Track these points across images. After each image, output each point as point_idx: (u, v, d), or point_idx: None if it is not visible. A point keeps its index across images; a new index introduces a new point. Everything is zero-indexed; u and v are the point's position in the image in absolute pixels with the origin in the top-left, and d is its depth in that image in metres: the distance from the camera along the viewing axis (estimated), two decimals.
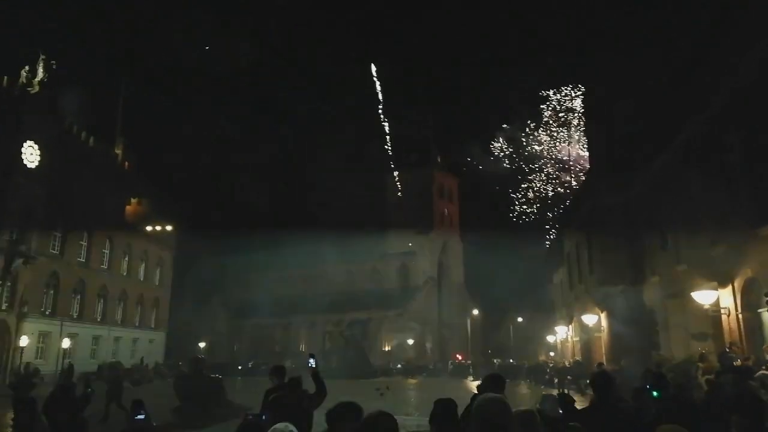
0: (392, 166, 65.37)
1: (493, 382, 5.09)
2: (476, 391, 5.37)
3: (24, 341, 30.60)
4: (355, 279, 61.34)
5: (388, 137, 56.54)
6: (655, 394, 5.93)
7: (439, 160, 67.24)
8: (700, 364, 13.62)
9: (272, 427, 3.25)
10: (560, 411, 5.85)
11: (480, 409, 3.16)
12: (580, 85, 36.60)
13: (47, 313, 35.52)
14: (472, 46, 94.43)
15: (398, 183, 65.73)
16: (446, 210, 66.27)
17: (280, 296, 63.31)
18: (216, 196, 69.50)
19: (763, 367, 11.76)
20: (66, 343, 34.57)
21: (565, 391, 23.11)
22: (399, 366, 45.01)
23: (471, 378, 36.40)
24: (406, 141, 66.28)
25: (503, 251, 62.18)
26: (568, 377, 24.85)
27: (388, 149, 59.74)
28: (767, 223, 12.91)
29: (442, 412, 3.72)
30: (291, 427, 3.25)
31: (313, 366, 6.04)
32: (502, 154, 45.41)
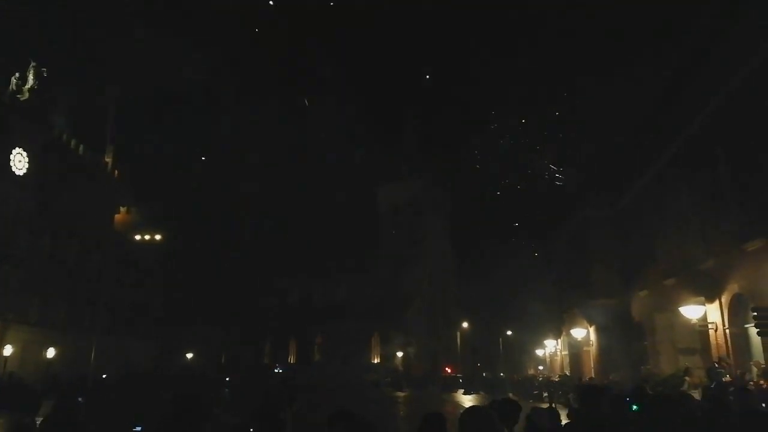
0: (384, 178, 65.61)
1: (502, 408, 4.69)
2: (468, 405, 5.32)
3: (8, 350, 30.14)
4: (346, 291, 61.10)
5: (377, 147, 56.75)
6: (635, 407, 5.90)
7: (430, 172, 67.43)
8: (687, 378, 13.69)
9: None
10: (548, 424, 5.85)
11: (467, 418, 3.18)
12: (568, 97, 36.95)
13: (33, 321, 35.04)
14: (460, 54, 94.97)
15: (388, 195, 65.85)
16: (437, 222, 66.31)
17: (269, 306, 62.92)
18: (207, 204, 69.25)
19: (750, 382, 11.84)
20: (51, 352, 34.07)
21: (553, 405, 23.11)
22: (388, 379, 44.73)
23: (462, 391, 36.23)
24: (396, 152, 66.57)
25: (495, 263, 62.32)
26: (560, 392, 24.80)
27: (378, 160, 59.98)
28: (754, 239, 13.06)
29: (430, 427, 3.68)
30: None
31: (280, 372, 6.03)
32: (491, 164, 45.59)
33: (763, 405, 10.66)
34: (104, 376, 36.07)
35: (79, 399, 8.87)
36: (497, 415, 4.30)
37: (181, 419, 3.99)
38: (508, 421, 4.53)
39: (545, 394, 26.89)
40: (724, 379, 12.60)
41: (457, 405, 25.10)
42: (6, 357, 29.73)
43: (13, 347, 30.93)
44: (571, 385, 23.22)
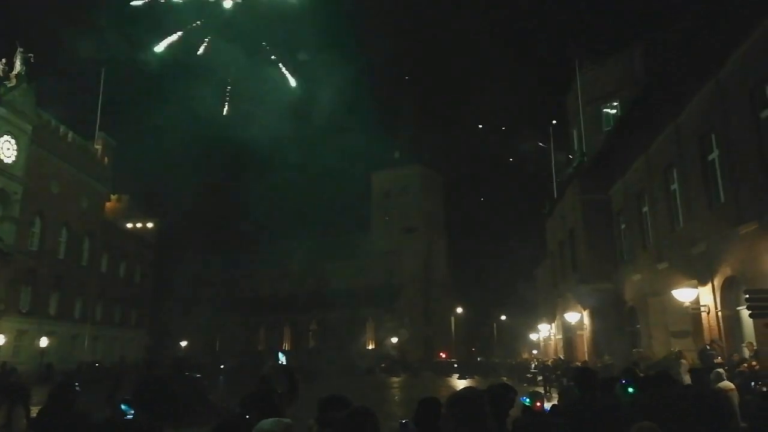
0: (378, 164, 65.42)
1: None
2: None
3: (1, 340, 30.02)
4: (341, 277, 61.14)
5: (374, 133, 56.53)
6: (630, 390, 5.90)
7: (424, 157, 67.33)
8: (683, 361, 13.77)
9: (259, 424, 3.24)
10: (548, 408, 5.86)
11: (454, 400, 3.16)
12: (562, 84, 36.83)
13: (24, 311, 34.86)
14: (458, 44, 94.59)
15: (381, 180, 65.71)
16: (431, 208, 66.35)
17: (265, 294, 62.93)
18: (199, 193, 68.90)
19: (744, 365, 11.93)
20: (44, 342, 33.97)
21: (549, 388, 23.30)
22: (383, 364, 44.97)
23: (457, 376, 36.49)
24: (392, 138, 66.30)
25: (488, 249, 62.59)
26: (554, 375, 25.01)
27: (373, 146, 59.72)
28: (747, 222, 13.09)
29: (426, 412, 3.67)
30: (285, 421, 3.29)
31: (283, 363, 5.96)
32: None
33: (755, 384, 10.77)
34: (97, 364, 36.05)
35: (76, 385, 8.77)
36: (488, 399, 4.29)
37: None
38: (503, 405, 4.51)
39: (539, 378, 27.14)
40: (715, 361, 12.71)
41: (452, 389, 25.28)
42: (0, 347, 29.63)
43: (5, 337, 30.81)
44: (565, 369, 23.45)
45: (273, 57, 36.86)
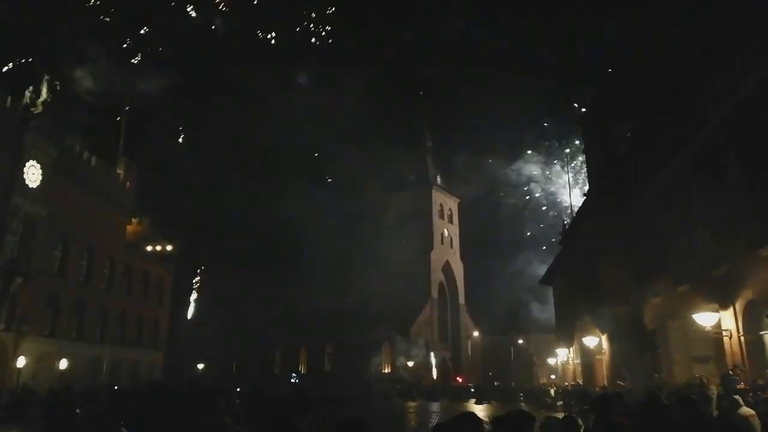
0: (394, 187, 65.66)
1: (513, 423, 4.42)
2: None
3: (21, 362, 30.32)
4: (356, 300, 61.03)
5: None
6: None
7: (438, 180, 67.45)
8: (713, 387, 13.42)
9: None
10: None
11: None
12: (578, 107, 36.89)
13: (46, 333, 35.28)
14: (471, 65, 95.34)
15: (398, 203, 65.84)
16: (446, 230, 66.23)
17: (280, 317, 62.95)
18: (217, 215, 69.70)
19: None
20: (64, 364, 34.26)
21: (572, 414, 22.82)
22: (400, 388, 44.50)
23: (473, 401, 35.96)
24: (406, 160, 66.59)
25: (504, 272, 62.11)
26: (573, 401, 24.53)
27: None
28: (767, 244, 12.91)
29: None
30: None
31: (296, 382, 6.04)
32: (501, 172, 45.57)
33: None
34: (116, 387, 36.16)
35: (77, 411, 8.88)
36: (507, 426, 4.27)
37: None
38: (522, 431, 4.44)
39: (559, 403, 26.62)
40: (738, 387, 12.43)
41: None
42: (20, 368, 29.93)
43: (26, 359, 31.13)
44: (585, 394, 23.00)
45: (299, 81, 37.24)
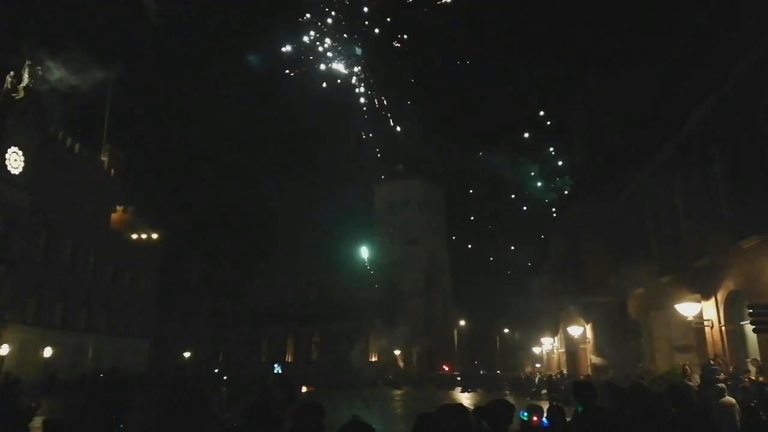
0: (380, 176, 65.59)
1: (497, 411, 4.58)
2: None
3: (4, 350, 30.06)
4: (342, 289, 61.10)
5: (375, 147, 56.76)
6: (580, 409, 5.72)
7: (426, 169, 67.43)
8: (691, 381, 13.65)
9: None
10: (547, 422, 5.88)
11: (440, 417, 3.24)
12: (567, 98, 37.00)
13: (29, 321, 34.95)
14: (459, 59, 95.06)
15: (384, 192, 65.83)
16: (433, 220, 66.36)
17: (267, 306, 62.87)
18: (203, 204, 69.22)
19: (746, 379, 11.89)
20: (48, 352, 34.01)
21: (555, 403, 23.11)
22: (389, 377, 44.73)
23: (459, 389, 36.28)
24: (393, 150, 66.45)
25: (491, 261, 62.49)
26: (558, 389, 24.83)
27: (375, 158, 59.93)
28: (749, 236, 13.11)
29: (424, 427, 3.74)
30: None
31: (279, 372, 6.10)
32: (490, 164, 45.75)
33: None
34: (101, 375, 35.98)
35: (34, 404, 8.76)
36: (490, 415, 4.34)
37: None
38: (502, 422, 4.54)
39: (544, 391, 26.96)
40: (718, 376, 12.66)
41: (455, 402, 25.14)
42: (3, 357, 29.66)
43: (9, 347, 30.85)
44: (567, 383, 23.32)
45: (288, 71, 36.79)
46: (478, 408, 4.62)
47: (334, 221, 62.04)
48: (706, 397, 8.20)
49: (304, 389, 22.49)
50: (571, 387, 20.65)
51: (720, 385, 8.21)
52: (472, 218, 64.10)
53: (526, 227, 49.97)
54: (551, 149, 33.52)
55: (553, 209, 32.37)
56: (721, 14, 14.70)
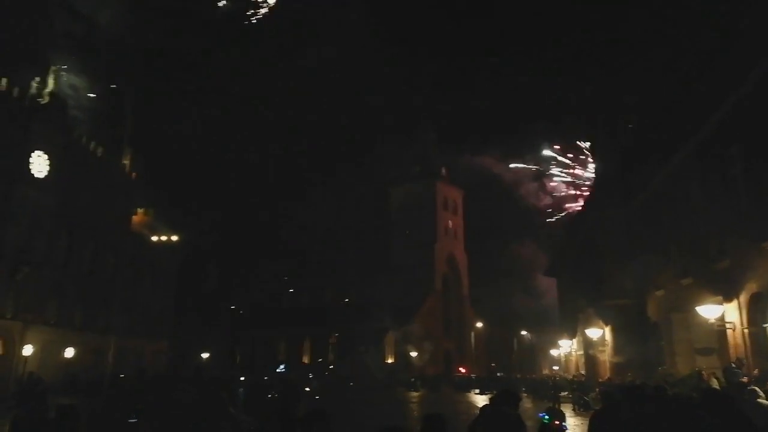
0: (395, 178, 65.63)
1: (505, 398, 5.15)
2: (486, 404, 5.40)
3: (28, 350, 30.59)
4: (359, 291, 61.21)
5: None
6: (546, 418, 5.70)
7: (443, 172, 67.30)
8: (714, 380, 13.45)
9: None
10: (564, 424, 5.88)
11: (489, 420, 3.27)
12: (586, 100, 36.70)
13: (52, 322, 35.57)
14: (477, 57, 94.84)
15: (401, 195, 65.82)
16: (450, 222, 66.18)
17: (285, 307, 63.26)
18: (223, 206, 70.01)
19: None
20: (70, 353, 34.56)
21: (574, 406, 22.84)
22: (412, 379, 44.57)
23: (476, 391, 36.12)
24: (410, 153, 66.49)
25: (508, 264, 62.10)
26: (577, 392, 24.55)
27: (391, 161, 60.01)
28: None
29: (430, 427, 3.85)
30: None
31: (283, 372, 6.23)
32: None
33: None
34: (122, 375, 36.49)
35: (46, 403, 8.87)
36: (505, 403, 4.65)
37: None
38: (509, 405, 5.11)
39: (562, 394, 26.68)
40: (741, 380, 12.45)
41: (471, 405, 25.05)
42: (27, 357, 30.21)
43: (33, 347, 31.41)
44: (589, 386, 23.07)
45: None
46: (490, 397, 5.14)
47: (350, 223, 62.29)
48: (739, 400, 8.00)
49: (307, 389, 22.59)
50: (588, 390, 20.40)
51: (754, 387, 8.01)
52: (489, 220, 63.85)
53: (546, 229, 49.65)
54: (569, 155, 33.30)
55: (573, 211, 32.11)
56: (741, 14, 14.48)
